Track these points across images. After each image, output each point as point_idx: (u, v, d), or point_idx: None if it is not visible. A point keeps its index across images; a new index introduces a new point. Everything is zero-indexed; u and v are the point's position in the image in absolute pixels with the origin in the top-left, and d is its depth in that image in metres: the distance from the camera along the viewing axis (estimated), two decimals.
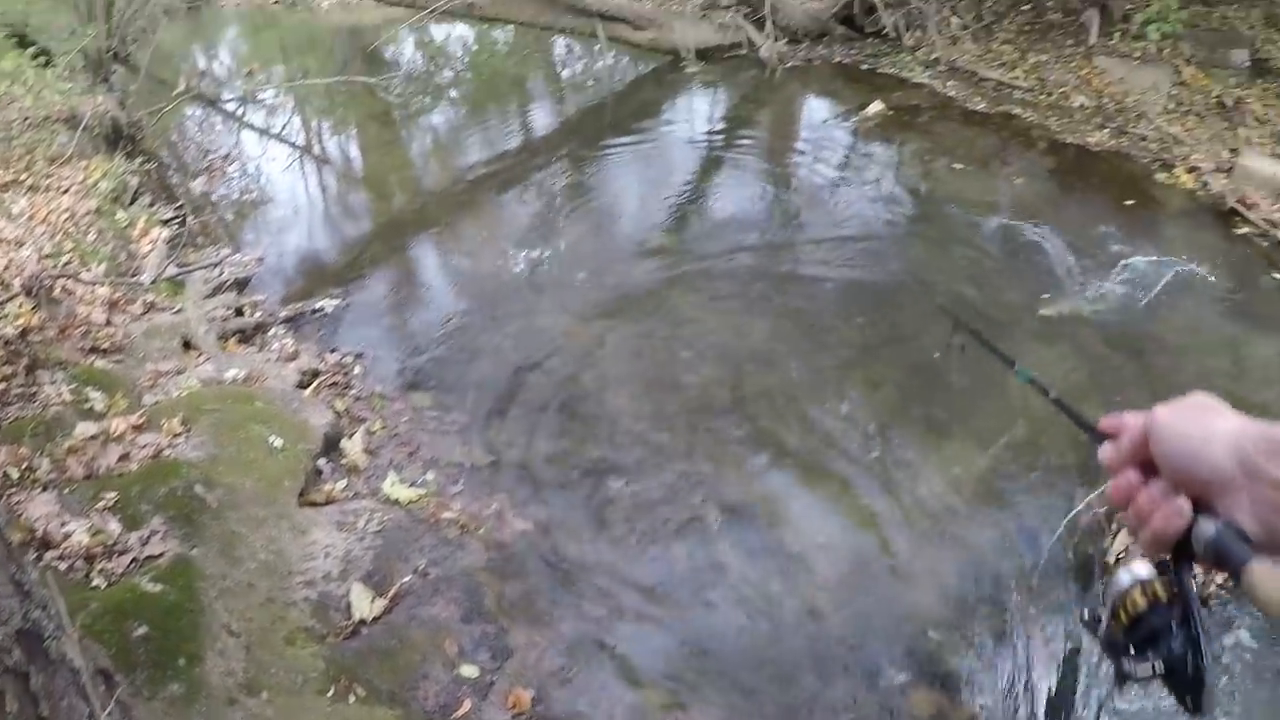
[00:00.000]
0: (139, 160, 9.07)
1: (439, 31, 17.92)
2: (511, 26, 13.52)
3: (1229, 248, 7.30)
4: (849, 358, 5.93)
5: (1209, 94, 9.41)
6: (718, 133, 10.34)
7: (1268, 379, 5.77)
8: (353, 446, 4.95)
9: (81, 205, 7.26)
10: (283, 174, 10.25)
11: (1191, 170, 8.23)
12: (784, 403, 5.48)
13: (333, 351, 6.09)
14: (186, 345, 5.80)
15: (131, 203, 8.13)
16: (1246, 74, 9.60)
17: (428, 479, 4.84)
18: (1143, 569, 0.96)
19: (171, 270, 6.90)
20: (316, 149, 11.77)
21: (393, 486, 4.66)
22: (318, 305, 6.69)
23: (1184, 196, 8.03)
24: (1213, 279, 6.80)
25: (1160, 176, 8.33)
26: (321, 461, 4.72)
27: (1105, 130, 9.19)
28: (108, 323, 5.72)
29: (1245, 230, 7.45)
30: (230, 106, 13.18)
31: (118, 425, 4.36)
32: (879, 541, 4.54)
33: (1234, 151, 8.53)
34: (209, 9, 29.37)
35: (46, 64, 10.11)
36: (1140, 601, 0.94)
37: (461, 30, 17.13)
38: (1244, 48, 9.77)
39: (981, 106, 10.00)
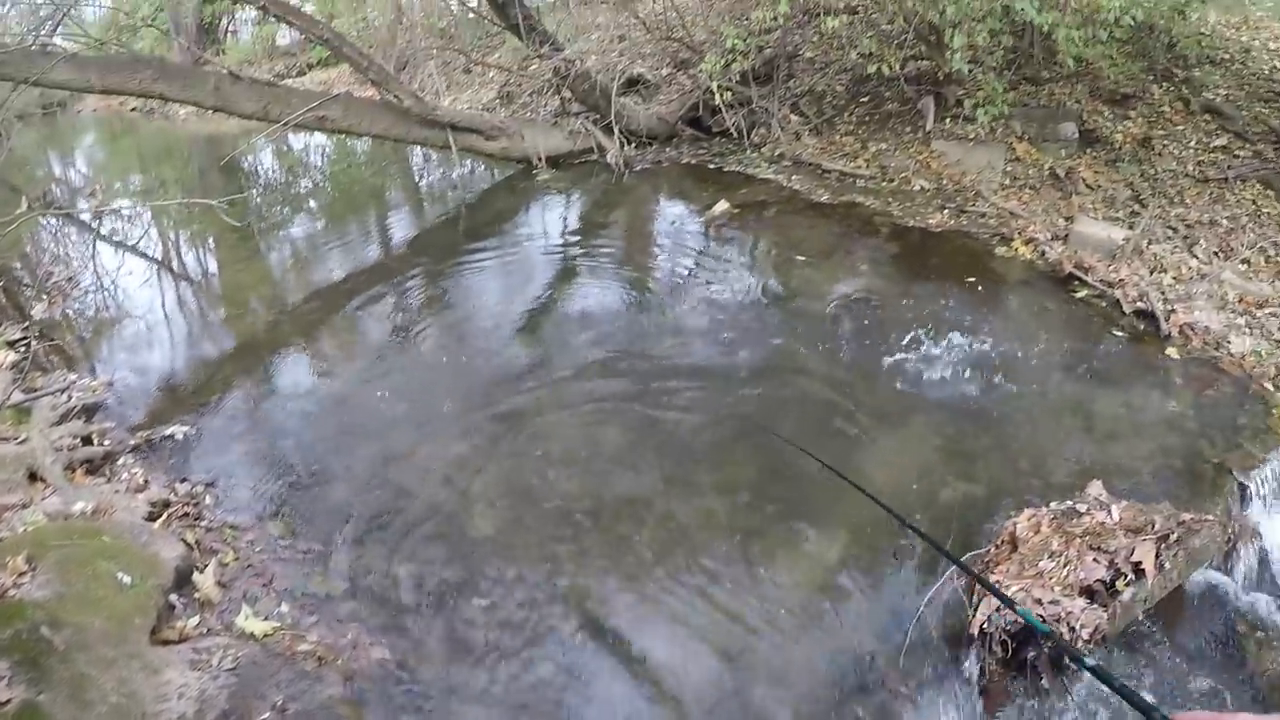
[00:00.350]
0: None
1: (297, 141, 17.93)
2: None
3: (1070, 310, 7.39)
4: (705, 461, 5.77)
5: (1042, 167, 9.65)
6: (570, 239, 10.25)
7: (1115, 433, 5.81)
8: (205, 580, 4.71)
9: None
10: (137, 290, 9.96)
11: (1029, 241, 8.31)
12: (642, 511, 5.31)
13: (183, 481, 5.80)
14: (32, 477, 5.51)
15: None
16: (1076, 145, 9.92)
17: (282, 610, 4.61)
18: None
19: (17, 396, 6.55)
20: (173, 263, 11.53)
21: (247, 620, 4.45)
22: (168, 432, 6.39)
23: (1023, 267, 8.08)
24: (1056, 342, 6.91)
25: (1000, 250, 8.38)
26: (174, 597, 4.48)
27: (945, 211, 9.26)
28: None
29: (1084, 293, 7.54)
30: (84, 218, 12.82)
31: None
32: (745, 642, 4.39)
33: (1069, 219, 8.69)
34: (65, 115, 29.19)
35: None
36: None
37: (320, 140, 17.16)
38: (1072, 121, 10.08)
39: (825, 198, 10.04)
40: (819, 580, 4.71)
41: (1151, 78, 10.89)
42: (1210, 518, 4.58)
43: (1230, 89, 10.74)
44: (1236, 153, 9.72)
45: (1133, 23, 8.67)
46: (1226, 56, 11.46)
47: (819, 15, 10.40)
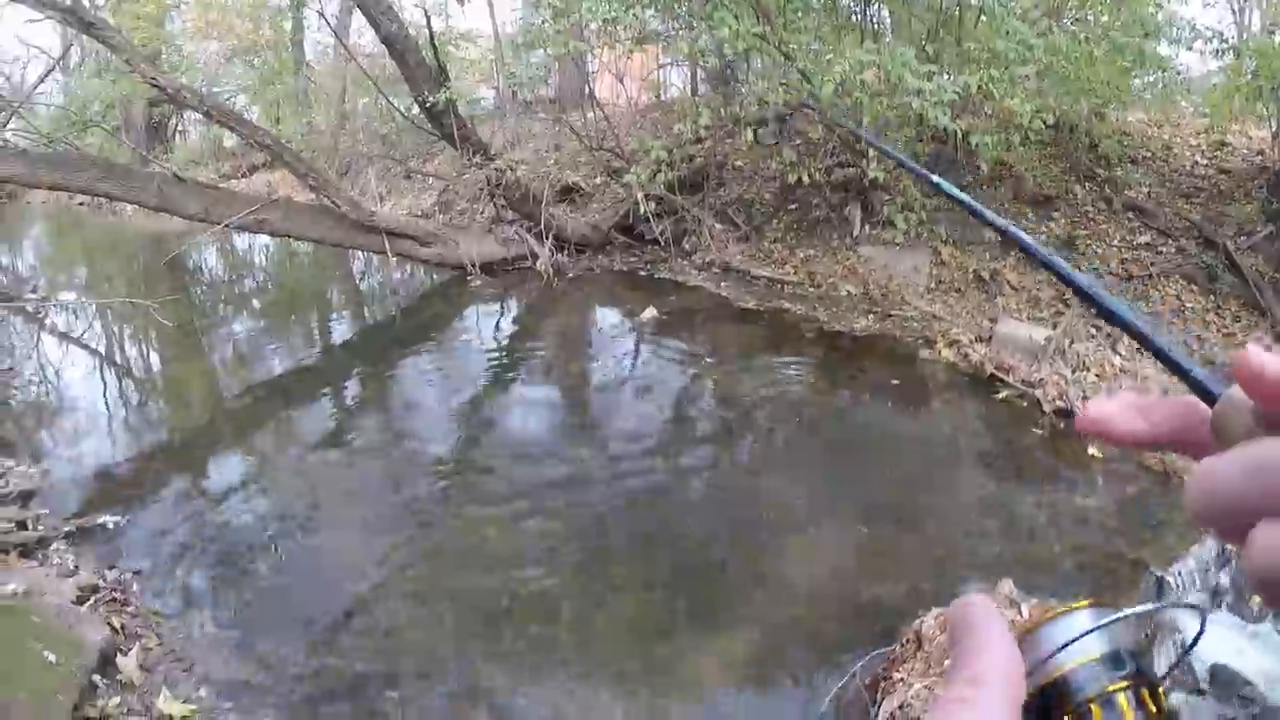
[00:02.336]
0: None
1: (241, 241, 17.97)
2: None
3: (990, 412, 7.43)
4: (620, 561, 5.76)
5: (967, 270, 9.76)
6: (501, 344, 10.26)
7: (1035, 534, 5.82)
8: (128, 663, 4.71)
9: None
10: (78, 382, 9.90)
11: (952, 344, 8.38)
12: (557, 608, 5.27)
13: (112, 568, 5.74)
14: None
15: None
16: (999, 247, 10.00)
17: (201, 695, 4.58)
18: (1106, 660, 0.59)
19: None
20: (115, 358, 11.46)
21: (166, 703, 4.45)
22: (101, 520, 6.32)
23: (946, 369, 8.15)
24: (977, 442, 6.95)
25: (924, 353, 8.45)
26: (97, 677, 4.49)
27: (871, 315, 9.36)
28: None
29: (1005, 394, 7.58)
30: (29, 309, 12.73)
31: None
32: None
33: (993, 321, 8.76)
34: (13, 205, 29.11)
35: None
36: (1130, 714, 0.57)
37: (263, 240, 17.18)
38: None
39: (753, 304, 10.14)
40: (726, 679, 4.66)
41: (1074, 178, 11.12)
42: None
43: (1152, 186, 10.99)
44: (1160, 249, 9.89)
45: (1045, 126, 8.85)
46: (1148, 154, 11.76)
47: (746, 125, 10.54)
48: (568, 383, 8.84)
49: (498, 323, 11.16)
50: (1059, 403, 7.26)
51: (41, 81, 26.46)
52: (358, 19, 18.00)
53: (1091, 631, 0.58)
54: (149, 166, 13.90)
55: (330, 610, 5.31)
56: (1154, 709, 0.57)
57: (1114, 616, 0.58)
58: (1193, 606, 0.56)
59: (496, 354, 9.91)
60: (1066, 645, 0.58)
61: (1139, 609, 0.60)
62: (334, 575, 5.67)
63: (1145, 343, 0.56)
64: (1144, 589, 5.23)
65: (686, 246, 11.85)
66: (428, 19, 12.41)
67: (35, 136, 12.86)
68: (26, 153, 10.72)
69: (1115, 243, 10.10)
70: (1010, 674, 0.52)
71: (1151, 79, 10.98)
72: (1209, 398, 0.51)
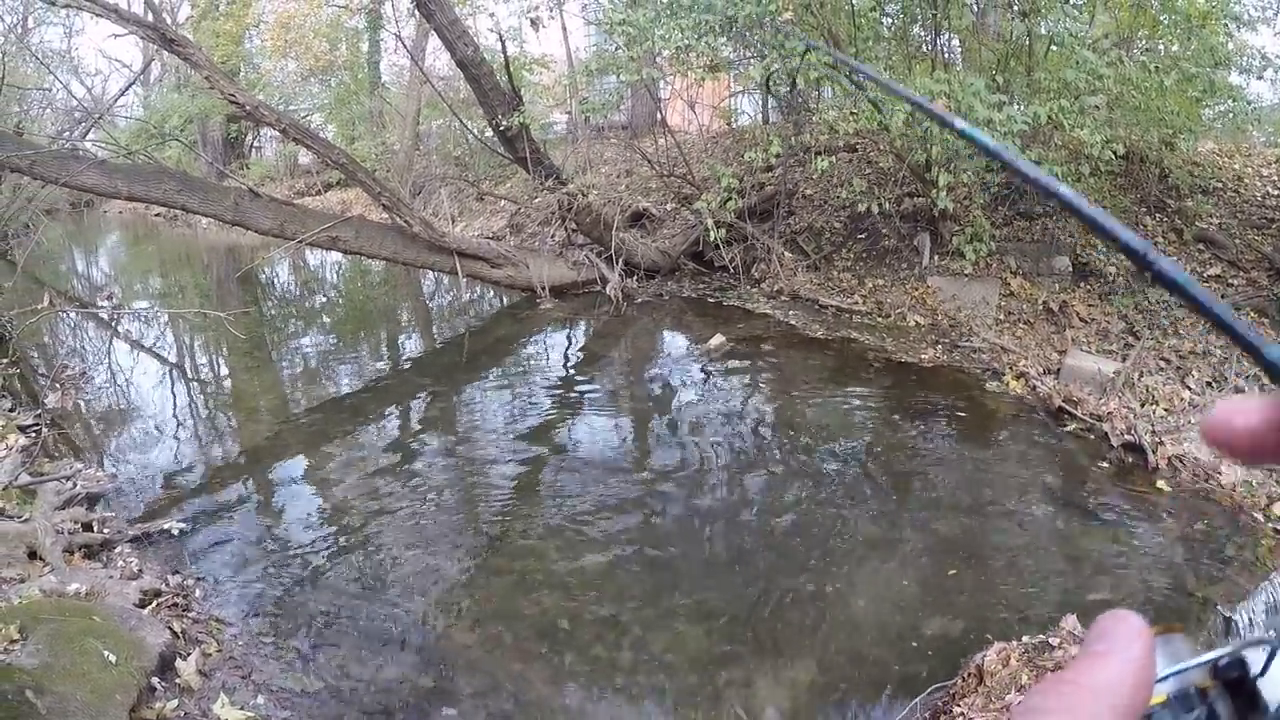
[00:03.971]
0: (4, 361, 9.17)
1: (313, 257, 18.23)
2: None
3: (1057, 445, 7.40)
4: (685, 585, 5.76)
5: (1036, 301, 9.72)
6: (569, 368, 10.40)
7: (1100, 569, 5.75)
8: (187, 667, 4.80)
9: None
10: (148, 389, 10.18)
11: (1020, 376, 8.36)
12: (621, 631, 5.30)
13: (175, 574, 5.89)
14: (32, 555, 5.68)
15: None
16: (1069, 279, 9.98)
17: (258, 703, 4.66)
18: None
19: (24, 479, 6.73)
20: (185, 366, 11.80)
21: (223, 708, 4.51)
22: (166, 526, 6.49)
23: (1014, 402, 8.13)
24: (1043, 476, 6.89)
25: (991, 385, 8.44)
26: (155, 680, 4.56)
27: (939, 346, 9.36)
28: None
29: (1073, 427, 7.55)
30: (103, 316, 13.14)
31: None
32: None
33: (1061, 353, 8.74)
34: (91, 213, 29.77)
35: None
36: None
37: (335, 257, 17.45)
38: (1065, 255, 10.19)
39: (821, 333, 10.17)
40: (787, 710, 4.66)
41: (1144, 209, 11.05)
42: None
43: (1223, 217, 10.89)
44: (1230, 281, 9.80)
45: (1115, 156, 8.82)
46: (1219, 185, 11.64)
47: (817, 154, 10.60)
48: (634, 407, 8.92)
49: (566, 346, 11.31)
50: (1127, 436, 7.21)
51: (122, 94, 27.20)
52: (433, 42, 18.32)
53: (1166, 679, 0.56)
54: (225, 181, 14.21)
55: (390, 626, 5.40)
56: None
57: (1188, 664, 0.57)
58: (1262, 641, 0.58)
59: (564, 377, 10.04)
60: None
61: (1213, 655, 0.57)
62: (395, 591, 5.75)
63: (1211, 315, 0.54)
64: (1211, 628, 5.22)
65: (755, 274, 11.94)
66: (503, 44, 12.64)
67: (115, 147, 13.19)
68: (106, 163, 11.07)
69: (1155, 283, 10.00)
70: (1138, 688, 0.52)
71: (1222, 108, 10.89)
72: None
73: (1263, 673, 0.56)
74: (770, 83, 9.85)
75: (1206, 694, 0.56)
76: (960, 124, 0.88)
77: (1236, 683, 0.55)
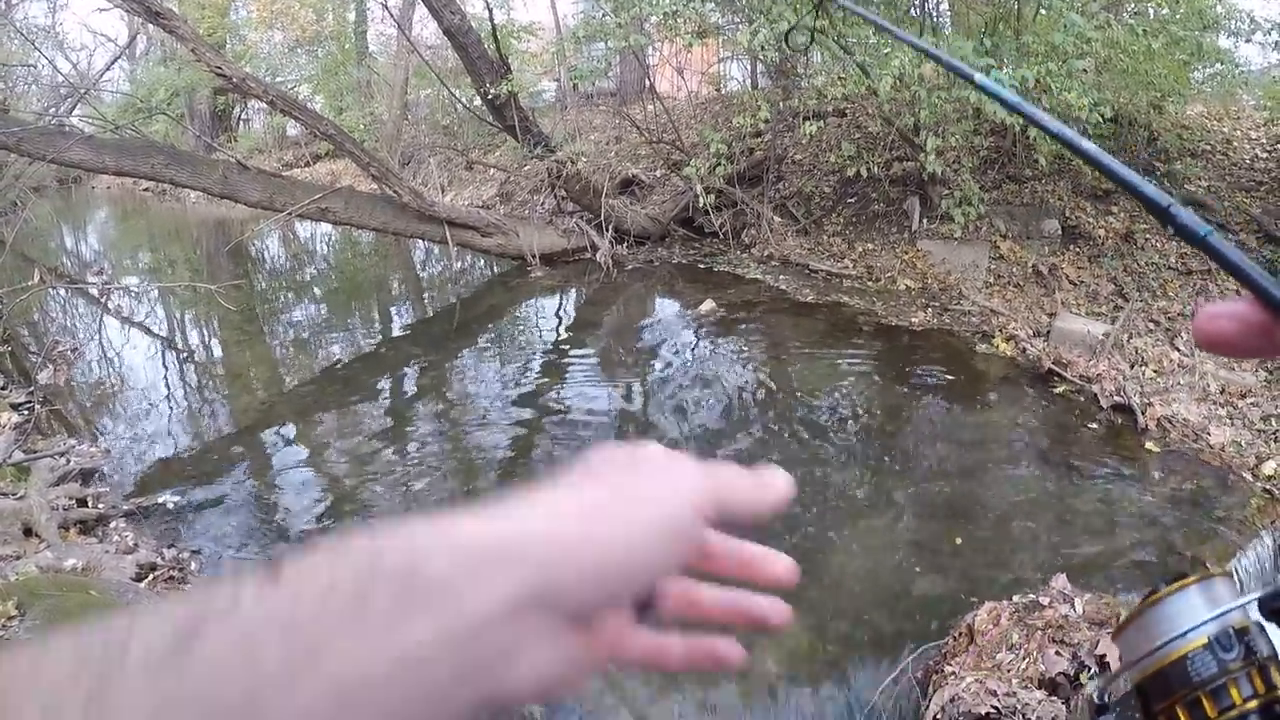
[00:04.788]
0: None
1: (303, 229, 18.20)
2: None
3: (1048, 406, 7.43)
4: None
5: (1025, 265, 9.74)
6: (561, 335, 10.43)
7: (1090, 530, 5.78)
8: None
9: None
10: (140, 364, 10.24)
11: (1010, 338, 8.39)
12: None
13: (171, 547, 5.95)
14: (28, 532, 5.69)
15: None
16: (1059, 241, 10.01)
17: None
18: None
19: (18, 456, 6.73)
20: (176, 341, 11.81)
21: None
22: (160, 500, 6.54)
23: (1004, 364, 8.15)
24: (1033, 438, 6.94)
25: (981, 348, 8.47)
26: None
27: (929, 310, 9.38)
28: None
29: (1063, 389, 7.58)
30: (93, 292, 13.12)
31: None
32: None
33: (1051, 315, 8.77)
34: (79, 189, 29.67)
35: None
36: (1240, 702, 0.56)
37: (325, 229, 17.44)
38: (1054, 218, 10.21)
39: (811, 298, 10.19)
40: (778, 670, 4.70)
41: (1133, 172, 11.01)
42: None
43: (1212, 180, 10.90)
44: None
45: (1104, 120, 8.81)
46: (1208, 148, 11.65)
47: (805, 119, 10.58)
48: (626, 373, 8.95)
49: (557, 313, 11.33)
50: (1116, 398, 7.25)
51: (108, 69, 26.95)
52: (420, 11, 18.19)
53: (1206, 624, 0.57)
54: (213, 154, 14.16)
55: None
56: (1264, 689, 0.55)
57: (1229, 606, 0.58)
58: None
59: (556, 344, 10.08)
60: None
61: (1252, 596, 0.58)
62: None
63: (1233, 267, 0.56)
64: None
65: (745, 240, 11.95)
66: (490, 11, 12.56)
67: (101, 123, 13.14)
68: (93, 138, 11.00)
69: (1175, 237, 10.00)
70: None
71: (1211, 72, 10.88)
72: None
73: None
74: (761, 48, 9.80)
75: (1246, 633, 0.57)
76: (980, 78, 0.90)
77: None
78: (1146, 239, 9.94)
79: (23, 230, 13.61)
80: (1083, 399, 7.45)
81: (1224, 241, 0.57)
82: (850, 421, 7.42)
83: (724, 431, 7.41)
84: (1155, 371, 7.77)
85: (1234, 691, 0.55)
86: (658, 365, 8.98)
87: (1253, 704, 0.55)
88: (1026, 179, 10.97)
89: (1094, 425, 7.07)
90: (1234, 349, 0.55)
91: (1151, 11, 10.54)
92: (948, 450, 6.84)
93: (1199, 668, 0.55)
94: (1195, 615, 0.58)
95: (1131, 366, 7.84)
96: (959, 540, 5.70)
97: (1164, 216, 0.61)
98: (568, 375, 9.03)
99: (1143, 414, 6.99)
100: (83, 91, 16.61)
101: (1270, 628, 0.57)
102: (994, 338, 8.52)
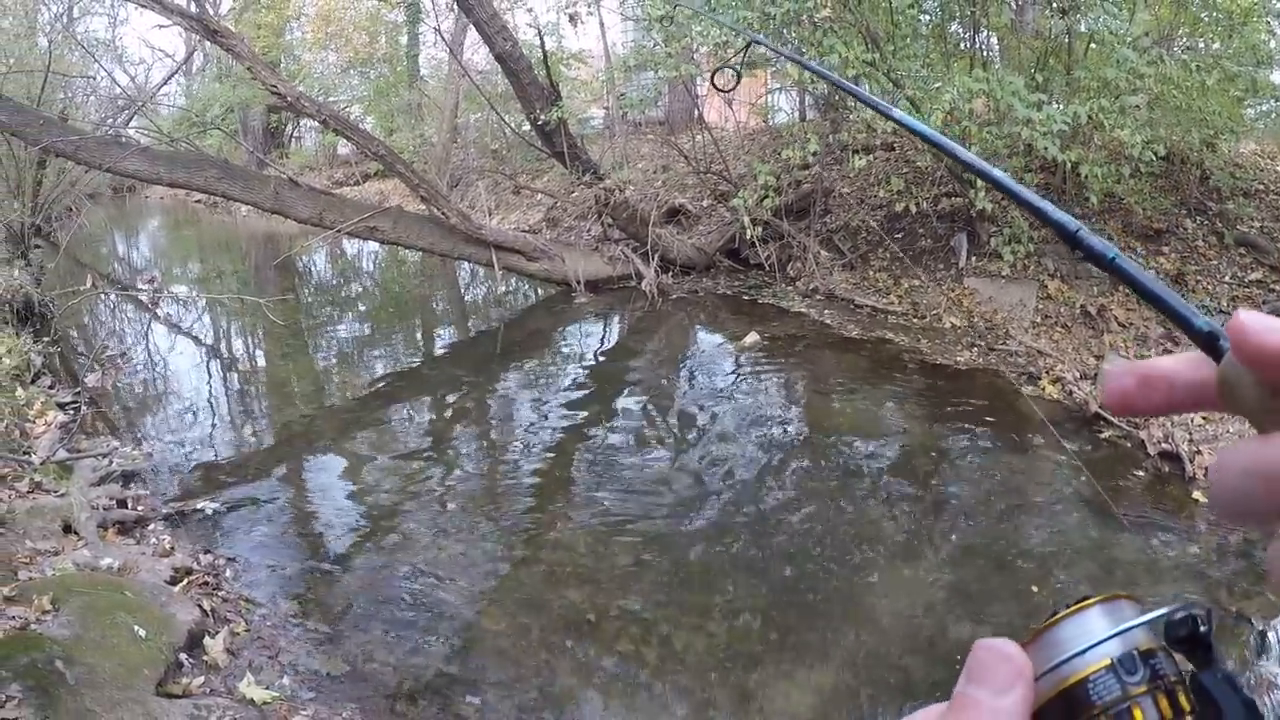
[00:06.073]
0: (46, 340, 9.39)
1: (351, 246, 18.42)
2: None
3: (1093, 452, 7.29)
4: (713, 584, 5.77)
5: (1074, 304, 9.63)
6: (603, 363, 10.44)
7: (1132, 580, 5.67)
8: (215, 645, 4.87)
9: None
10: (185, 371, 10.43)
11: (1056, 380, 8.30)
12: (646, 627, 5.33)
13: (207, 553, 6.00)
14: (67, 529, 5.76)
15: (32, 381, 8.40)
16: (1108, 282, 9.84)
17: (284, 683, 4.71)
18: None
19: (62, 454, 6.87)
20: (221, 351, 12.03)
21: (249, 687, 4.56)
22: (199, 506, 6.61)
23: (1050, 406, 8.02)
24: (1077, 484, 6.80)
25: (1027, 389, 8.34)
26: (183, 656, 4.66)
27: (974, 349, 9.30)
28: None
29: (1109, 434, 7.47)
30: (142, 299, 13.40)
31: None
32: None
33: (1099, 358, 8.65)
34: (133, 198, 30.18)
35: None
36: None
37: (372, 247, 17.63)
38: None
39: (856, 333, 10.14)
40: (810, 712, 4.65)
41: (1184, 211, 10.93)
42: None
43: (1265, 221, 10.75)
44: (1272, 286, 9.68)
45: (1156, 157, 8.73)
46: (1261, 187, 11.49)
47: (854, 152, 10.55)
48: (666, 404, 8.91)
49: (600, 340, 11.38)
50: (1164, 445, 7.12)
51: (165, 83, 27.45)
52: (472, 36, 18.33)
53: (1109, 640, 0.55)
54: (265, 170, 14.36)
55: (417, 612, 5.45)
56: (1170, 714, 0.53)
57: (1131, 624, 0.56)
58: (1200, 604, 0.53)
59: (598, 372, 10.07)
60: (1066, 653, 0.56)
61: (1154, 614, 0.56)
62: (423, 578, 5.80)
63: (1141, 289, 0.56)
64: (1246, 643, 5.15)
65: (791, 272, 11.93)
66: (541, 38, 12.67)
67: (157, 135, 13.37)
68: (149, 150, 11.30)
69: (1226, 279, 9.88)
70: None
71: (1265, 108, 10.77)
72: (1215, 353, 0.50)
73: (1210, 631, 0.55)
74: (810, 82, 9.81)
75: (1152, 655, 0.54)
76: (898, 113, 0.94)
77: (1188, 640, 0.54)
78: (1198, 280, 9.83)
79: (77, 235, 13.89)
80: (1129, 445, 7.32)
81: (1130, 262, 0.58)
82: (890, 461, 7.37)
83: (762, 468, 7.35)
84: (1204, 419, 7.63)
85: (1138, 715, 0.52)
86: (699, 397, 8.96)
87: None
88: (1077, 217, 10.79)
89: (1140, 473, 6.94)
90: (1135, 407, 0.55)
91: (1204, 46, 10.48)
92: (989, 493, 6.75)
93: (1101, 690, 0.53)
94: (1095, 635, 0.55)
95: (1180, 413, 7.70)
96: (997, 586, 5.64)
97: (1073, 241, 0.64)
98: (608, 404, 9.01)
99: (1190, 462, 6.86)
100: (140, 104, 16.93)
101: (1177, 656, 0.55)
102: (1040, 379, 8.42)
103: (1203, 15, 10.30)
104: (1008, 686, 0.53)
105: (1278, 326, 0.45)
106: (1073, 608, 0.57)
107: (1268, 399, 0.46)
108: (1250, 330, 0.45)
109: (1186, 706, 0.53)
